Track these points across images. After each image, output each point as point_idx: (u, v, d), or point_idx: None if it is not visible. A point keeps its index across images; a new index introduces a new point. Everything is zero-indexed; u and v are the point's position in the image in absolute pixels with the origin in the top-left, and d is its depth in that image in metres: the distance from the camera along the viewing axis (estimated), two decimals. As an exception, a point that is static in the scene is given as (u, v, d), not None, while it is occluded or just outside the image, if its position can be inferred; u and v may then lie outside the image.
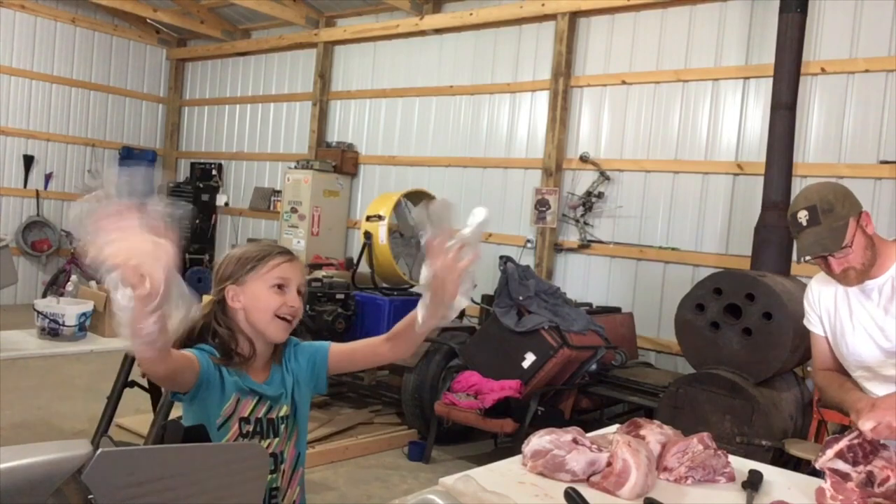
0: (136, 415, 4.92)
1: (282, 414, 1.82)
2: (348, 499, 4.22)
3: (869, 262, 2.19)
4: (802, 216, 2.17)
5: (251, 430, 1.76)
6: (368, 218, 6.12)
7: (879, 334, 2.23)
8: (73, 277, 8.45)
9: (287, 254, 1.84)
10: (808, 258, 2.18)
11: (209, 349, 1.75)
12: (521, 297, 5.06)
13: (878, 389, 2.20)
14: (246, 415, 1.76)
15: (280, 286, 1.78)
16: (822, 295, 2.38)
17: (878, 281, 2.23)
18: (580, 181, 6.62)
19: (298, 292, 1.82)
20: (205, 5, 9.47)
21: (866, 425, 1.87)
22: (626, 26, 6.46)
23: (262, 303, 1.76)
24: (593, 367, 5.15)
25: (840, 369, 2.40)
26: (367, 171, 8.41)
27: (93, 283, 7.65)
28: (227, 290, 1.78)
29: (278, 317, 1.77)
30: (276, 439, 1.80)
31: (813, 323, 2.43)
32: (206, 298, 1.89)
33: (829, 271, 2.23)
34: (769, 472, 2.07)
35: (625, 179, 6.43)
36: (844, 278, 2.22)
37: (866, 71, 5.29)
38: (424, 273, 1.60)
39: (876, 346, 2.24)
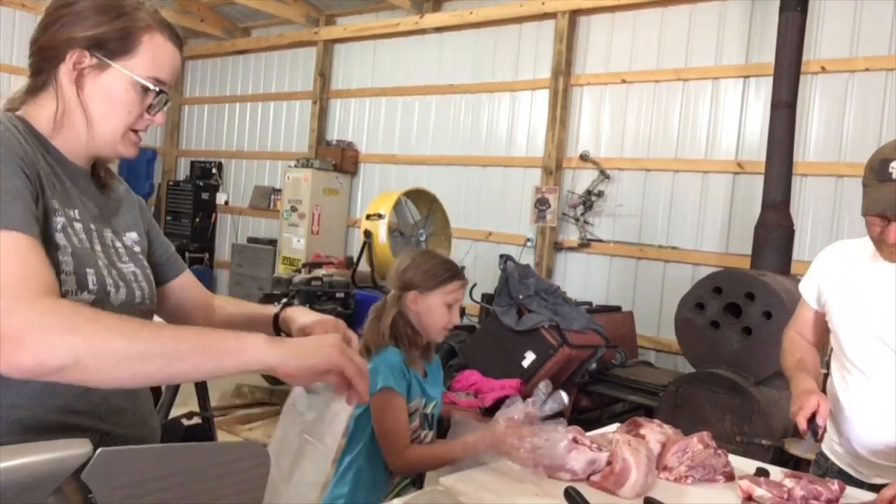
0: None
1: (431, 410, 2.15)
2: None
3: None
4: None
5: (418, 424, 2.08)
6: (368, 216, 6.12)
7: None
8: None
9: (464, 278, 2.19)
10: (873, 212, 1.94)
11: (397, 359, 2.02)
12: (521, 296, 5.06)
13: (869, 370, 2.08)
14: (422, 410, 2.10)
15: (450, 305, 2.11)
16: (837, 265, 2.21)
17: None
18: (580, 180, 6.62)
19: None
20: (205, 3, 9.45)
21: None
22: (626, 25, 6.45)
23: (437, 317, 2.10)
24: (593, 365, 5.15)
25: (814, 342, 2.33)
26: (367, 169, 8.40)
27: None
28: (408, 294, 2.10)
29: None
30: (431, 432, 2.15)
31: (808, 290, 2.30)
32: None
33: (881, 237, 1.99)
34: (774, 472, 2.07)
35: (625, 178, 6.42)
36: (893, 252, 2.00)
37: (866, 70, 5.29)
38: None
39: None
